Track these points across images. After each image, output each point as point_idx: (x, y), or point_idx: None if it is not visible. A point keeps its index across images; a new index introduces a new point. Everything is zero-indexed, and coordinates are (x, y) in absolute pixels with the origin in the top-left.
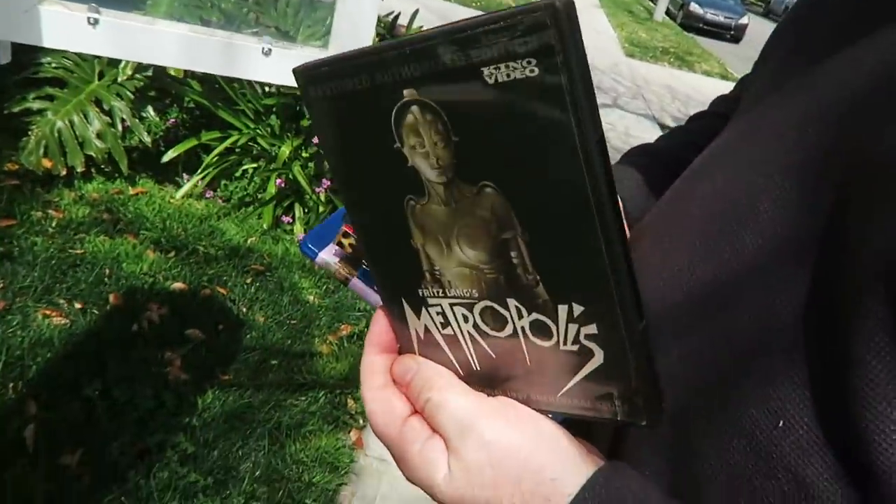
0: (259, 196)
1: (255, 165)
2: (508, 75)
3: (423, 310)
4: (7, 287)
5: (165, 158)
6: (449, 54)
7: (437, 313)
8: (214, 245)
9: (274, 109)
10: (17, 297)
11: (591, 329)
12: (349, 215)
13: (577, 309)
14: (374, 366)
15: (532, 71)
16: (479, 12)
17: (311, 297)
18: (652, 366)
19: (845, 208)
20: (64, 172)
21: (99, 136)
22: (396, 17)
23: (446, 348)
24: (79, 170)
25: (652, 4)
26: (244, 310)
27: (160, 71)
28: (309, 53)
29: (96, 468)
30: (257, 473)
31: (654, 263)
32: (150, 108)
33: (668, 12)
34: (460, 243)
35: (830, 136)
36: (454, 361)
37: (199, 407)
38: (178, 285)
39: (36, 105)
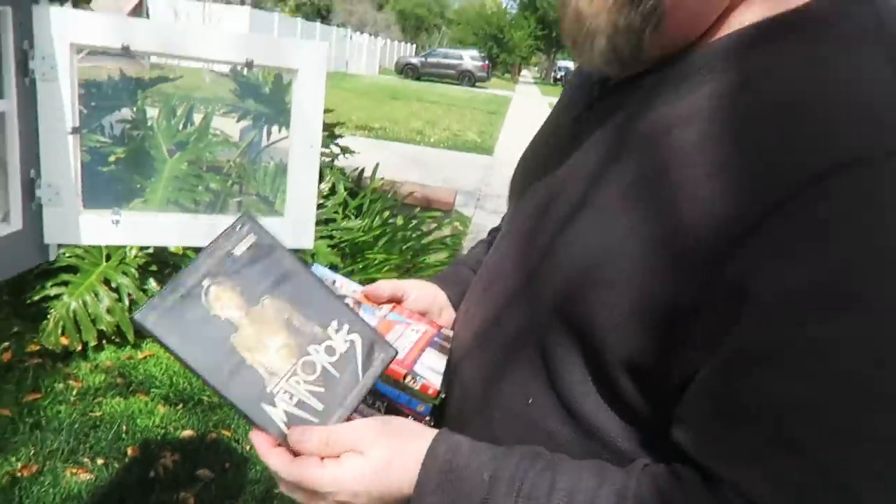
0: None
1: None
2: (244, 246)
3: (276, 399)
4: (38, 452)
5: None
6: (217, 252)
7: (285, 392)
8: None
9: None
10: (46, 460)
11: (346, 328)
12: (207, 383)
13: (335, 324)
14: (277, 462)
15: (251, 239)
16: (449, 151)
17: None
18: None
19: (537, 273)
20: (80, 348)
21: (108, 311)
22: (361, 171)
23: (301, 413)
24: (92, 344)
25: None
26: (247, 448)
27: (161, 248)
28: (270, 222)
29: None
30: None
31: (461, 314)
32: (151, 281)
33: None
34: (270, 339)
35: (532, 231)
36: (312, 417)
37: None
38: (187, 433)
39: (53, 291)
